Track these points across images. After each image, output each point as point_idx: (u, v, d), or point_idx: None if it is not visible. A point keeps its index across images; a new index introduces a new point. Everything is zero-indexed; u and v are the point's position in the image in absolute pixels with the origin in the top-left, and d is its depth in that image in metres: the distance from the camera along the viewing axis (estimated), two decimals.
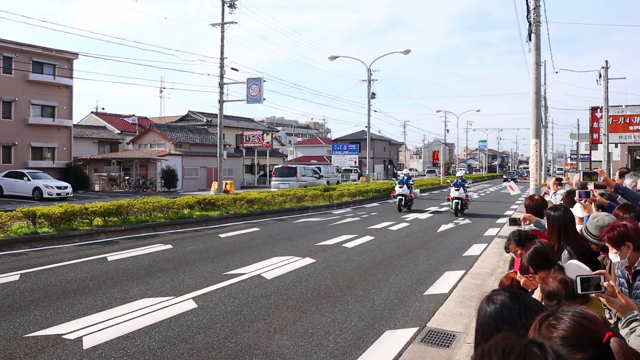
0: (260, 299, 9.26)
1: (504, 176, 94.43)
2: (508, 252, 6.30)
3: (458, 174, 26.64)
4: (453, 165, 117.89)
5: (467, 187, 26.79)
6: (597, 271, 2.56)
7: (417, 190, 29.60)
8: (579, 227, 5.28)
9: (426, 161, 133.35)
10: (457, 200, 25.34)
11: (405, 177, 28.16)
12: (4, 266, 11.91)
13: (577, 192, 5.62)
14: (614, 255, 3.71)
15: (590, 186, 5.80)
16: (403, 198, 27.43)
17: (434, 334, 7.49)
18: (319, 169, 54.41)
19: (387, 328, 7.74)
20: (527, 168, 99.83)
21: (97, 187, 46.93)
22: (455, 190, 25.54)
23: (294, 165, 48.97)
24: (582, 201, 5.45)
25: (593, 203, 5.58)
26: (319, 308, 8.74)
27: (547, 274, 4.04)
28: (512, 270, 5.98)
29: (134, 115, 67.81)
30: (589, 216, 5.20)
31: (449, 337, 7.35)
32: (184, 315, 8.20)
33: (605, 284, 2.41)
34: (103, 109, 73.91)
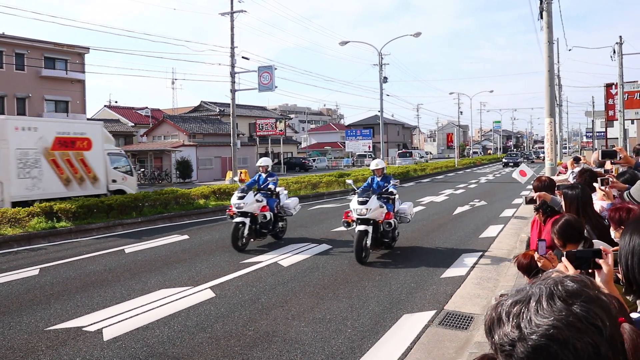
0: (278, 286, 9.30)
1: (504, 160, 69.42)
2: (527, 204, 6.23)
3: (372, 165, 13.35)
4: (467, 147, 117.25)
5: (394, 193, 12.37)
6: (602, 248, 2.51)
7: (404, 206, 12.94)
8: (601, 205, 5.23)
9: (440, 144, 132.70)
10: (362, 230, 11.25)
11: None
12: (23, 261, 12.04)
13: (598, 179, 5.54)
14: None
15: (608, 164, 5.74)
16: (244, 226, 12.83)
17: (451, 317, 7.49)
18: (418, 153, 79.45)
19: (405, 312, 7.75)
20: (542, 148, 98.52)
21: None
22: (361, 203, 11.48)
23: (410, 150, 78.85)
24: (604, 188, 5.39)
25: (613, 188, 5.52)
26: (336, 294, 8.76)
27: (574, 248, 4.01)
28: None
29: (147, 107, 68.06)
30: (612, 204, 5.14)
31: (467, 319, 7.35)
32: (202, 304, 8.25)
33: (600, 261, 2.38)
34: (116, 102, 74.39)
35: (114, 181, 23.34)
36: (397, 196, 12.51)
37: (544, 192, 5.77)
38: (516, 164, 54.42)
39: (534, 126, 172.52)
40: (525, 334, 1.15)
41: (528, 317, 1.17)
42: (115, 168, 23.61)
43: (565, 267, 2.52)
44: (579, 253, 2.55)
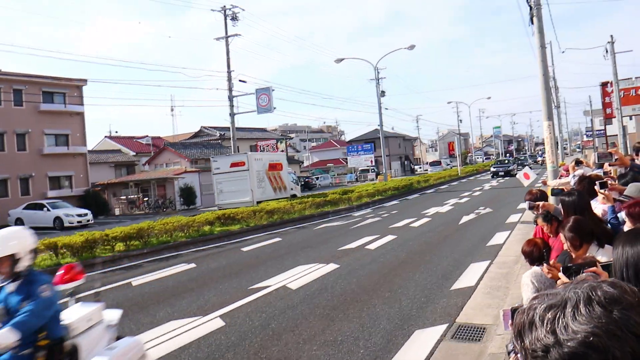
0: (287, 310, 9.22)
1: (493, 168, 58.23)
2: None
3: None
4: (469, 154, 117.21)
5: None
6: (590, 269, 2.46)
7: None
8: (602, 208, 5.20)
9: (442, 153, 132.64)
10: None
11: None
12: None
13: (597, 183, 5.51)
14: None
15: (606, 166, 5.71)
16: None
17: (464, 329, 7.40)
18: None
19: (417, 327, 7.67)
20: (540, 151, 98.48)
21: (117, 211, 47.19)
22: None
23: (439, 160, 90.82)
24: (603, 191, 5.36)
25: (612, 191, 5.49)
26: (347, 314, 8.68)
27: (587, 249, 3.98)
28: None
29: (147, 135, 68.28)
30: (612, 206, 5.11)
31: (480, 331, 7.26)
32: (212, 334, 8.18)
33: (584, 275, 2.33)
34: (116, 132, 74.72)
35: (291, 189, 39.48)
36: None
37: (547, 203, 5.72)
38: (508, 173, 52.15)
39: (534, 129, 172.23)
40: (561, 340, 1.09)
41: (564, 323, 1.11)
42: (291, 181, 40.69)
43: (562, 283, 2.47)
44: (575, 267, 2.51)
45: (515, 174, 44.27)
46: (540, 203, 6.31)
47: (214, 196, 36.44)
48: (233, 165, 35.10)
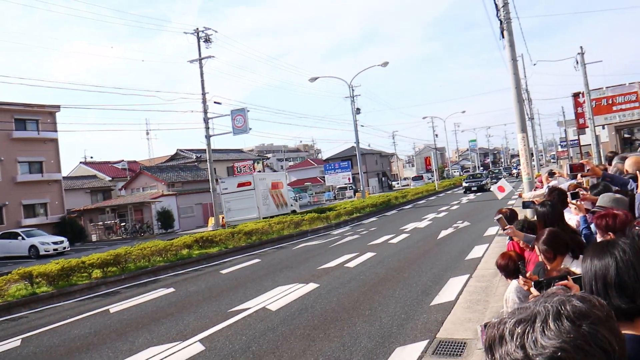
0: (268, 332, 9.14)
1: (465, 183, 52.98)
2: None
3: None
4: (446, 168, 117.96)
5: None
6: (561, 282, 2.48)
7: None
8: (577, 219, 5.23)
9: (419, 168, 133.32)
10: None
11: None
12: (4, 332, 11.77)
13: (570, 194, 5.55)
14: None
15: (579, 178, 5.75)
16: None
17: (444, 345, 7.39)
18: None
19: (397, 345, 7.64)
20: (515, 163, 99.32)
21: (94, 237, 46.71)
22: None
23: (421, 175, 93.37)
24: (575, 202, 5.40)
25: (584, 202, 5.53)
26: (327, 334, 8.63)
27: (561, 261, 4.00)
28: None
29: (123, 160, 67.86)
30: (585, 217, 5.15)
31: (460, 346, 7.25)
32: (192, 359, 8.07)
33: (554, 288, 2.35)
34: (92, 157, 74.05)
35: (291, 205, 43.14)
36: None
37: (517, 232, 5.62)
38: (481, 188, 48.80)
39: (509, 141, 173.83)
40: (530, 355, 1.09)
41: (533, 338, 1.11)
42: (291, 197, 45.21)
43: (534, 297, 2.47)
44: (546, 280, 2.52)
45: (489, 188, 43.30)
46: (507, 230, 6.32)
47: (224, 212, 39.43)
48: (240, 185, 38.80)
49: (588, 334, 1.10)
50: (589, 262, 2.00)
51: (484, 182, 50.53)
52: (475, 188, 49.59)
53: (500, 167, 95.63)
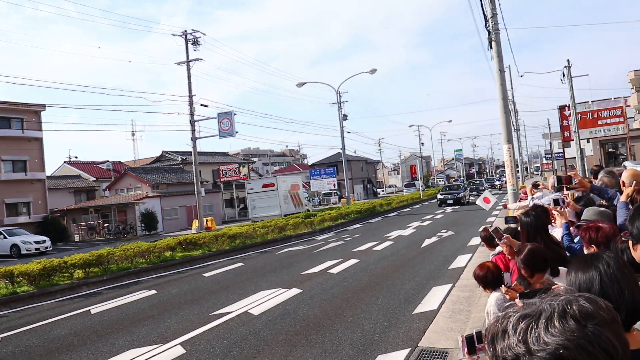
0: (249, 336, 9.12)
1: (440, 195, 46.72)
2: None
3: None
4: (431, 177, 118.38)
5: None
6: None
7: None
8: (557, 235, 5.27)
9: (404, 176, 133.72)
10: None
11: None
12: None
13: (552, 199, 5.58)
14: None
15: (566, 191, 5.77)
16: None
17: (426, 354, 7.40)
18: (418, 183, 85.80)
19: (379, 352, 7.64)
20: (498, 174, 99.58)
21: (76, 238, 46.38)
22: None
23: (413, 182, 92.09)
24: (558, 208, 5.43)
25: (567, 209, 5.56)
26: (309, 340, 8.62)
27: (542, 277, 4.02)
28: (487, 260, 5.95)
29: (108, 161, 67.52)
30: (567, 223, 5.18)
31: (442, 355, 7.26)
32: None
33: None
34: (76, 157, 73.52)
35: (305, 205, 48.48)
36: None
37: (510, 240, 5.64)
38: (458, 202, 43.94)
39: (495, 152, 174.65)
40: (532, 350, 1.10)
41: (537, 334, 1.12)
42: (305, 198, 50.23)
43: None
44: (531, 293, 2.53)
45: (467, 202, 40.96)
46: (502, 242, 6.35)
47: (248, 211, 47.99)
48: (265, 186, 45.90)
49: (592, 334, 1.11)
50: (574, 275, 2.02)
51: (461, 195, 44.93)
52: (451, 201, 44.30)
53: (482, 179, 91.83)
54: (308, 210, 44.50)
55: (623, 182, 5.42)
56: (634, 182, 4.95)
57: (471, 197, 38.51)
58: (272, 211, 43.07)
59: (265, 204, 44.50)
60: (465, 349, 2.72)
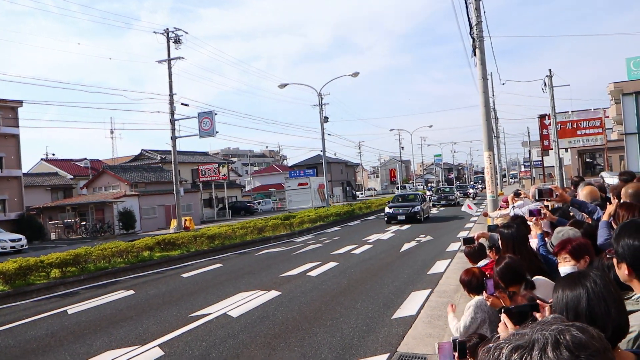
0: (228, 339, 9.10)
1: (389, 208, 33.76)
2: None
3: None
4: (410, 181, 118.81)
5: None
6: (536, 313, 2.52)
7: None
8: (533, 245, 5.34)
9: (384, 180, 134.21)
10: None
11: None
12: None
13: (527, 210, 5.65)
14: (571, 267, 3.73)
15: (547, 202, 5.83)
16: None
17: (405, 359, 7.44)
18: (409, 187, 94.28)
19: (358, 357, 7.67)
20: (479, 179, 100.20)
21: (53, 236, 45.87)
22: None
23: (405, 185, 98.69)
24: (534, 219, 5.50)
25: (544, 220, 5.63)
26: (288, 343, 8.62)
27: (518, 289, 4.07)
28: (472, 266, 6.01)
29: (85, 158, 66.88)
30: (542, 234, 5.25)
31: None
32: None
33: (538, 315, 2.40)
34: (53, 154, 72.87)
35: (324, 200, 54.60)
36: None
37: (482, 232, 5.80)
38: (412, 218, 32.19)
39: (474, 158, 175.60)
40: None
41: None
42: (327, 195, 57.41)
43: (504, 325, 2.51)
44: (516, 309, 2.57)
45: (428, 217, 35.06)
46: (475, 235, 6.43)
47: (285, 203, 65.31)
48: (300, 184, 64.86)
49: None
50: (561, 293, 2.04)
51: (417, 209, 32.78)
52: (402, 217, 32.41)
53: (453, 186, 75.30)
54: (328, 204, 51.00)
55: (614, 196, 5.45)
56: (615, 201, 4.97)
57: (423, 214, 32.83)
58: (306, 204, 58.00)
59: (300, 198, 62.32)
60: (456, 354, 2.76)
